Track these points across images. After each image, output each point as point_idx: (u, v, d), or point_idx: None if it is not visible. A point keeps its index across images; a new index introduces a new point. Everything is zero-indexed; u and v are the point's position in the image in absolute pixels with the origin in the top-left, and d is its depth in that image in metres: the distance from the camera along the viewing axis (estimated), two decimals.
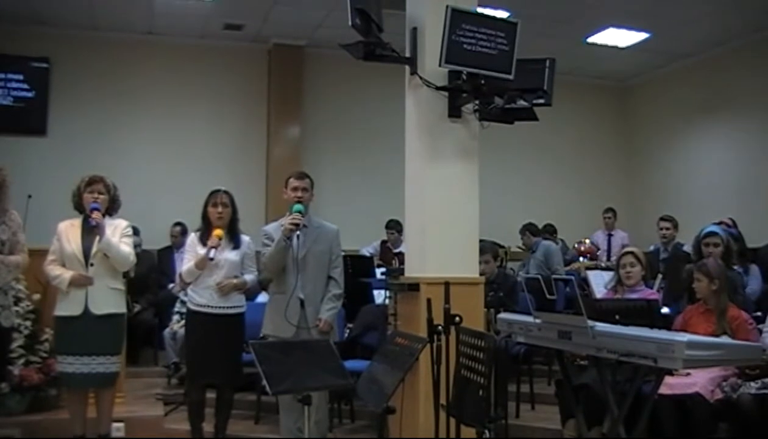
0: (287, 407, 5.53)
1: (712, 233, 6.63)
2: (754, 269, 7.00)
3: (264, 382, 4.06)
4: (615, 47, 11.63)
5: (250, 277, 5.92)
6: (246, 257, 5.91)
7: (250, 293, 7.63)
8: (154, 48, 11.15)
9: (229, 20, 10.70)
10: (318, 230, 5.78)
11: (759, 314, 5.87)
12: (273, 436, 6.30)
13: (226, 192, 5.89)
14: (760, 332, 5.40)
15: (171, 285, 8.96)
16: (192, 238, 5.93)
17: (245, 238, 5.97)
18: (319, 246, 5.72)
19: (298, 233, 5.50)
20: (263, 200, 11.44)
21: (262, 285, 8.12)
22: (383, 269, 8.79)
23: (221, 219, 5.80)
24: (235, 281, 5.77)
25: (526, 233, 9.96)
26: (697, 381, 4.93)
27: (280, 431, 5.74)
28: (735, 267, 6.44)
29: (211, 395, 5.96)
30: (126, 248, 5.56)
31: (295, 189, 5.70)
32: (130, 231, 5.71)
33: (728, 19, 10.33)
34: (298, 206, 5.55)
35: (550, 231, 11.21)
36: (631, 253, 5.94)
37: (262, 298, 8.10)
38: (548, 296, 4.35)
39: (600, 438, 4.89)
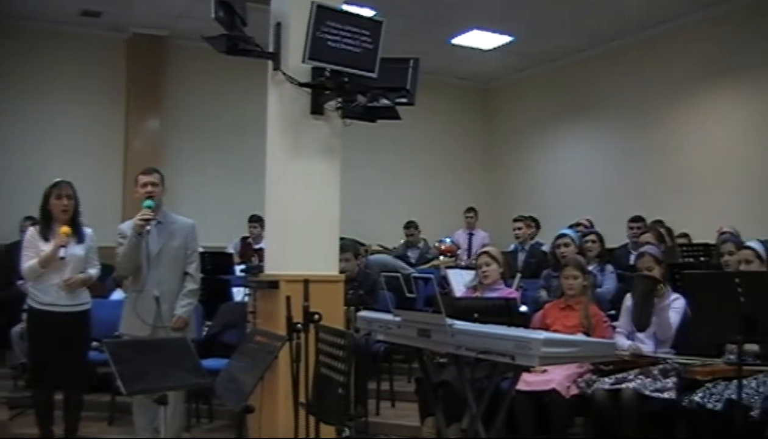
0: (142, 406, 5.38)
1: (563, 234, 7.12)
2: (610, 268, 7.23)
3: (119, 382, 3.93)
4: (478, 49, 11.87)
5: (94, 271, 5.75)
6: (90, 251, 5.73)
7: (105, 290, 7.38)
8: (7, 32, 10.62)
9: (86, 6, 10.34)
10: (173, 225, 5.66)
11: (613, 312, 6.05)
12: (127, 437, 6.13)
13: (68, 183, 5.68)
14: (614, 329, 5.58)
15: (20, 282, 8.57)
16: (32, 232, 5.68)
17: (88, 230, 5.78)
18: (174, 242, 5.61)
19: (148, 228, 5.41)
20: (120, 195, 11.13)
21: (116, 282, 7.89)
22: (243, 266, 8.68)
23: (66, 212, 5.59)
24: (82, 276, 5.60)
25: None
26: (553, 378, 5.05)
27: (135, 432, 5.58)
28: (589, 267, 6.64)
29: (59, 396, 5.73)
30: None
31: (144, 185, 5.56)
32: None
33: (589, 25, 10.72)
34: (148, 202, 5.43)
35: (411, 227, 11.27)
36: (486, 253, 6.03)
37: (117, 295, 7.86)
38: (408, 295, 4.37)
39: (459, 435, 4.95)
